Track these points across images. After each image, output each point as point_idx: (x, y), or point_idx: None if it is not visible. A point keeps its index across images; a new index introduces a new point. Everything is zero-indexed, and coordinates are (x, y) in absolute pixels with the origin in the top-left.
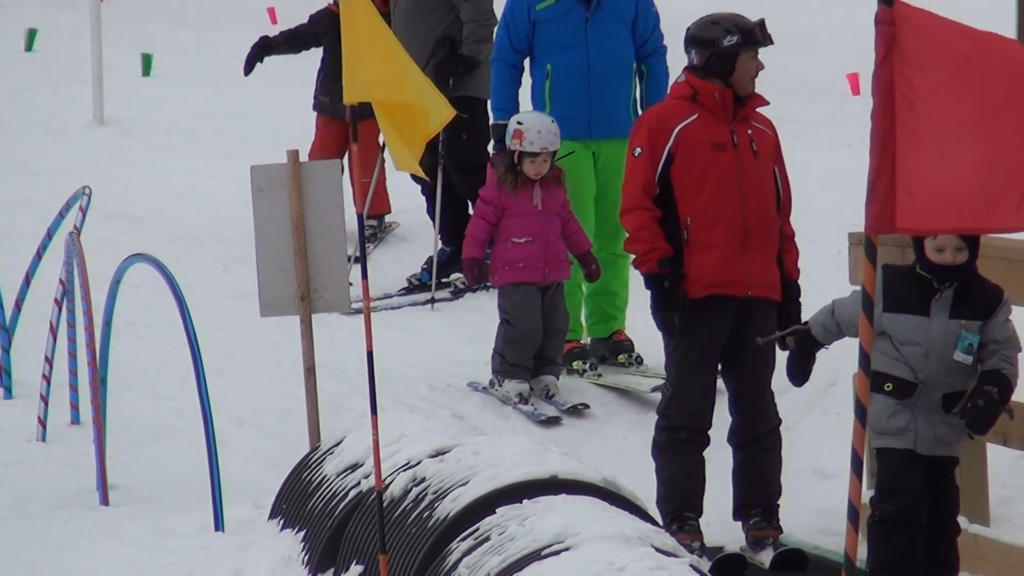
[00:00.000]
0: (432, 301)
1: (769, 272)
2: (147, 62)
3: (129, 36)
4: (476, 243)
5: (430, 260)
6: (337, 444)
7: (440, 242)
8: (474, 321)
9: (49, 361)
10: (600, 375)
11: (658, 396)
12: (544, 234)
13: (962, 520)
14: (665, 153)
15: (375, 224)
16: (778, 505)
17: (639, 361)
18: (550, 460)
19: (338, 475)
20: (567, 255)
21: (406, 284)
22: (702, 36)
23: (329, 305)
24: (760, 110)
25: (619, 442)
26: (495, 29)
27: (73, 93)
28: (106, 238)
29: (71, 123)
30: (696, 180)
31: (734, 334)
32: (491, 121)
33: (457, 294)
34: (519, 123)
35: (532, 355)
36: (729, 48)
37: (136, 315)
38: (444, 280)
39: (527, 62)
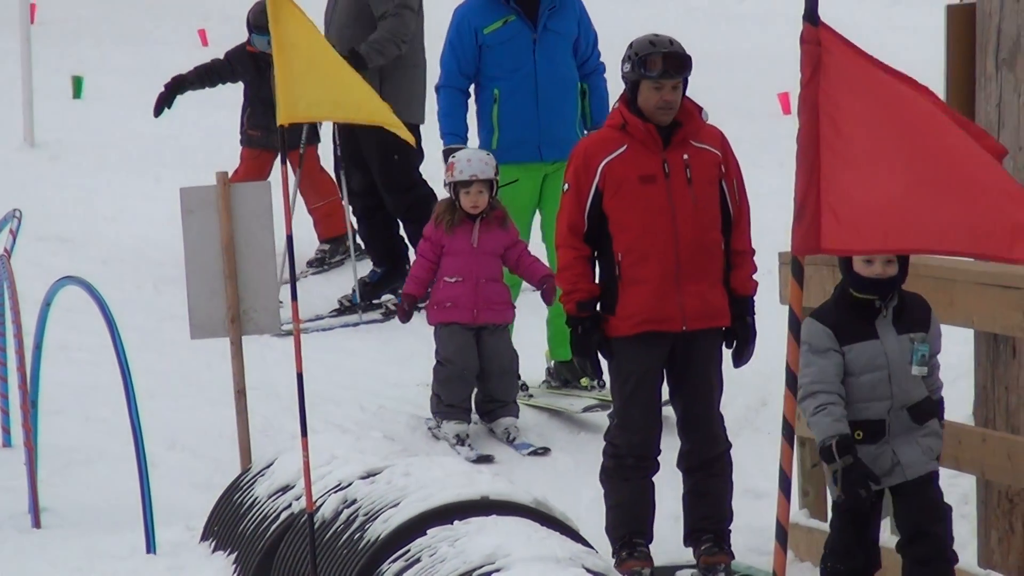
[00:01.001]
0: (360, 322)
1: (709, 301)
2: (78, 84)
3: (59, 58)
4: (415, 281)
5: (361, 282)
6: (268, 466)
7: (372, 263)
8: (405, 342)
9: None
10: (531, 396)
11: (590, 417)
12: (475, 274)
13: (892, 538)
14: (592, 189)
15: (325, 249)
16: (729, 530)
17: (601, 385)
18: (481, 481)
19: (269, 497)
20: (507, 297)
21: (337, 305)
22: (622, 60)
23: (259, 327)
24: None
25: (551, 463)
26: (395, 55)
27: (3, 115)
28: (37, 260)
29: (2, 145)
30: (624, 215)
31: (676, 363)
32: (443, 146)
33: (388, 315)
34: (453, 157)
35: (468, 395)
36: (629, 76)
37: (67, 337)
38: (375, 301)
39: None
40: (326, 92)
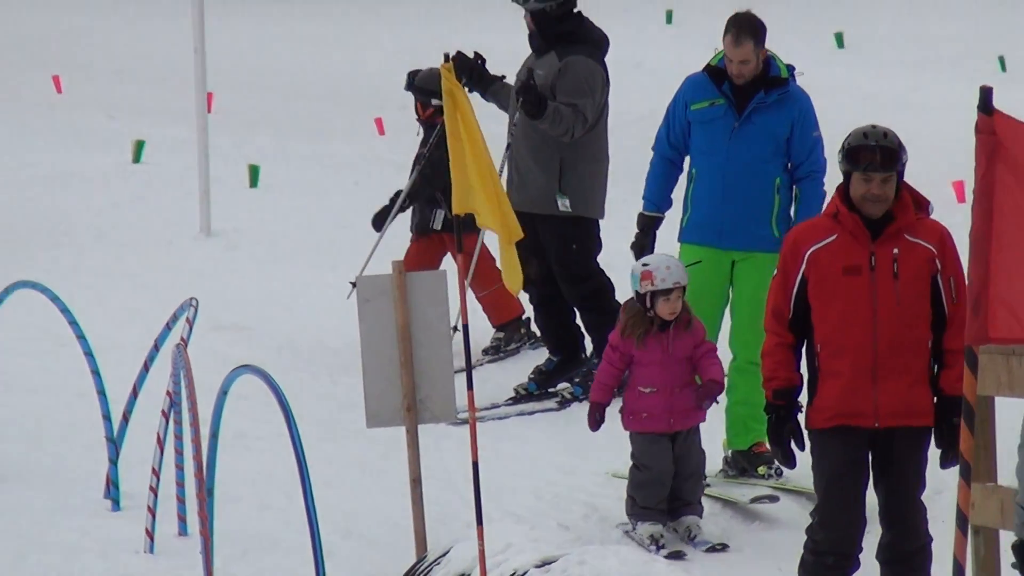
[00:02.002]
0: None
1: (907, 399)
2: (254, 173)
3: (236, 147)
4: (603, 388)
5: (537, 370)
6: (444, 554)
7: (547, 352)
8: (580, 432)
9: (156, 473)
10: (708, 484)
11: (760, 507)
12: (669, 384)
13: None
14: (799, 277)
15: (500, 336)
16: None
17: (778, 473)
18: (656, 571)
19: None
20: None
21: (513, 394)
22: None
23: (435, 416)
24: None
25: (729, 557)
26: (563, 134)
27: (180, 205)
28: (213, 349)
29: (178, 234)
30: (826, 306)
31: (878, 457)
32: (640, 211)
33: (563, 404)
34: (645, 264)
35: (663, 497)
36: (841, 166)
37: (243, 426)
38: (550, 390)
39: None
40: (478, 196)
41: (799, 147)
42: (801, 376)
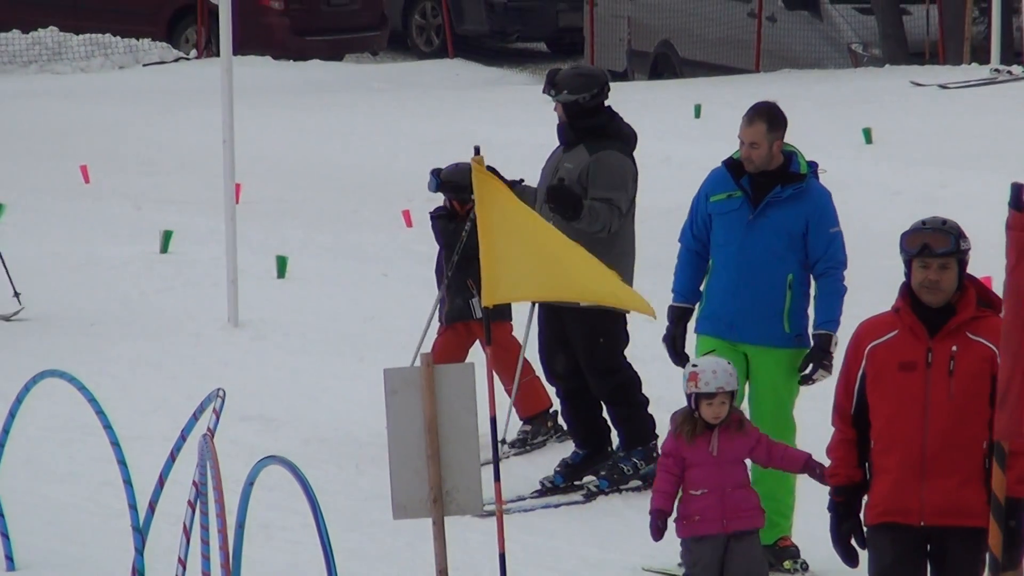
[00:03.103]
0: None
1: (957, 498)
2: (282, 264)
3: (264, 238)
4: (663, 495)
5: (563, 463)
6: None
7: (574, 445)
8: (607, 525)
9: (183, 563)
10: None
11: None
12: (720, 484)
13: None
14: (860, 373)
15: (527, 429)
16: None
17: (804, 567)
18: None
19: None
20: (755, 503)
21: (539, 487)
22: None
23: (461, 508)
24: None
25: None
26: (599, 232)
27: (208, 295)
28: (239, 440)
29: (205, 325)
30: (880, 402)
31: (934, 560)
32: (670, 304)
33: (589, 497)
34: (694, 366)
35: None
36: (902, 257)
37: (269, 517)
38: (577, 483)
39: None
40: (537, 271)
41: (816, 243)
42: (863, 473)
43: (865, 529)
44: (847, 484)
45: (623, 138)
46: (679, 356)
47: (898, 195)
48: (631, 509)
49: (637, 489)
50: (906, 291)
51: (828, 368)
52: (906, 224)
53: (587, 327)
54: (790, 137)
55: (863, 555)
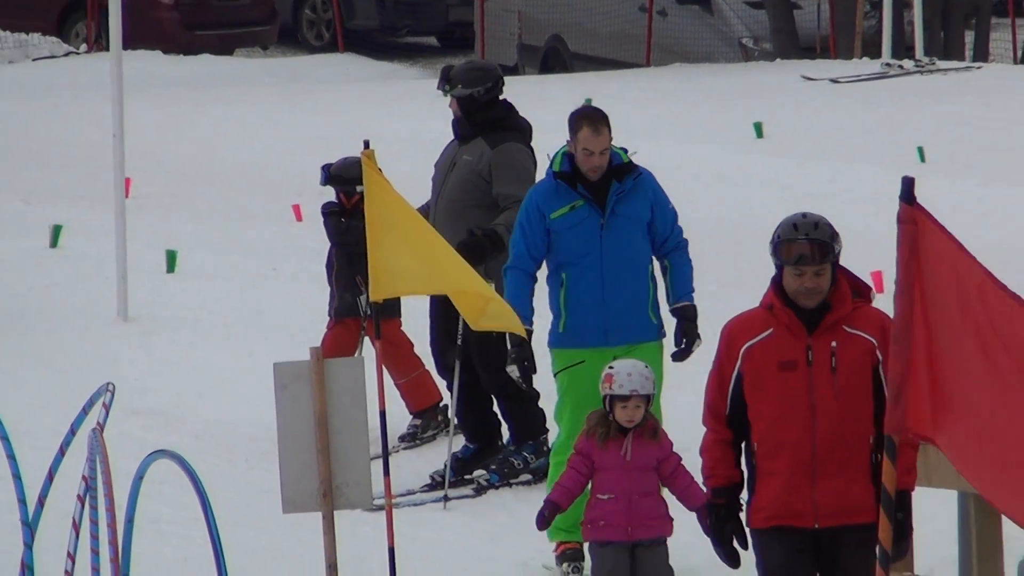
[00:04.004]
0: (445, 499)
1: (848, 497)
2: (171, 258)
3: (154, 232)
4: (564, 492)
5: (454, 457)
6: None
7: (464, 439)
8: (495, 518)
9: (72, 558)
10: None
11: None
12: (628, 491)
13: None
14: (734, 374)
15: (417, 424)
16: None
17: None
18: None
19: None
20: (663, 511)
21: (429, 480)
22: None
23: (351, 502)
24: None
25: None
26: None
27: (97, 290)
28: (129, 434)
29: (95, 320)
30: (761, 403)
31: (823, 561)
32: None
33: (480, 491)
34: (610, 368)
35: None
36: (773, 259)
37: (159, 511)
38: (467, 477)
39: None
40: (420, 266)
41: (662, 223)
42: (741, 472)
43: (749, 531)
44: (727, 485)
45: (520, 130)
46: (527, 380)
47: (788, 189)
48: (521, 503)
49: (527, 483)
50: (779, 289)
51: (700, 337)
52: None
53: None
54: (683, 130)
55: (744, 556)
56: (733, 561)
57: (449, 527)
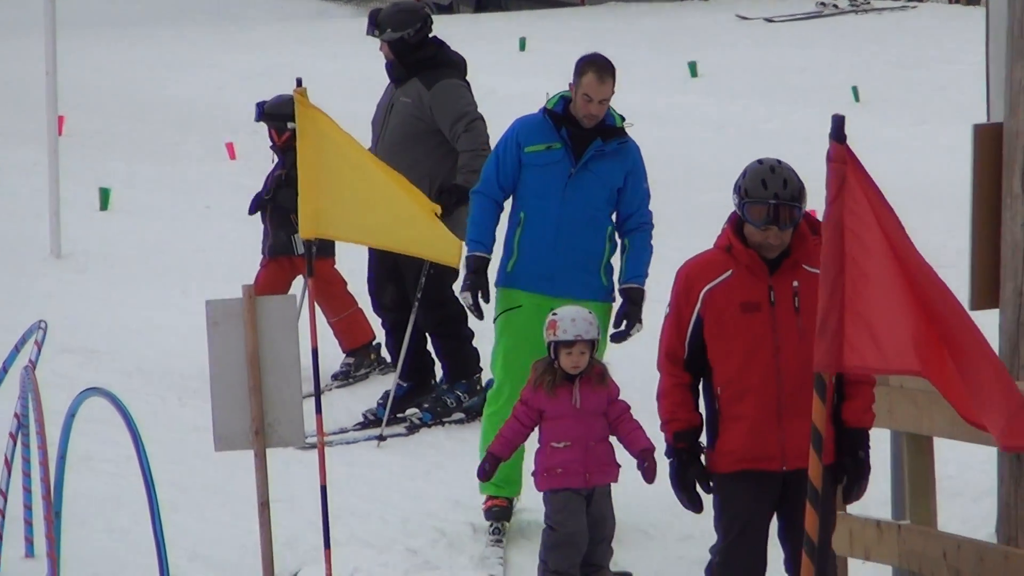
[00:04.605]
0: (381, 438)
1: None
2: (105, 196)
3: (87, 170)
4: (505, 443)
5: (386, 395)
6: None
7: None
8: (428, 456)
9: (3, 494)
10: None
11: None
12: (583, 437)
13: None
14: (693, 317)
15: (351, 362)
16: None
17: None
18: None
19: None
20: (613, 456)
21: (362, 419)
22: (734, 185)
23: (283, 440)
24: None
25: None
26: (484, 134)
27: (30, 227)
28: (62, 371)
29: (27, 257)
30: (725, 346)
31: (786, 502)
32: (465, 252)
33: (412, 429)
34: (553, 314)
35: (577, 561)
36: (737, 208)
37: (91, 448)
38: (400, 416)
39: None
40: (356, 214)
41: (631, 198)
42: (701, 416)
43: (711, 476)
44: (688, 429)
45: (454, 65)
46: (479, 310)
47: (723, 129)
48: (453, 441)
49: (460, 422)
50: (737, 230)
51: (641, 322)
52: (731, 158)
53: (417, 259)
54: (619, 70)
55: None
56: (696, 506)
57: (381, 465)
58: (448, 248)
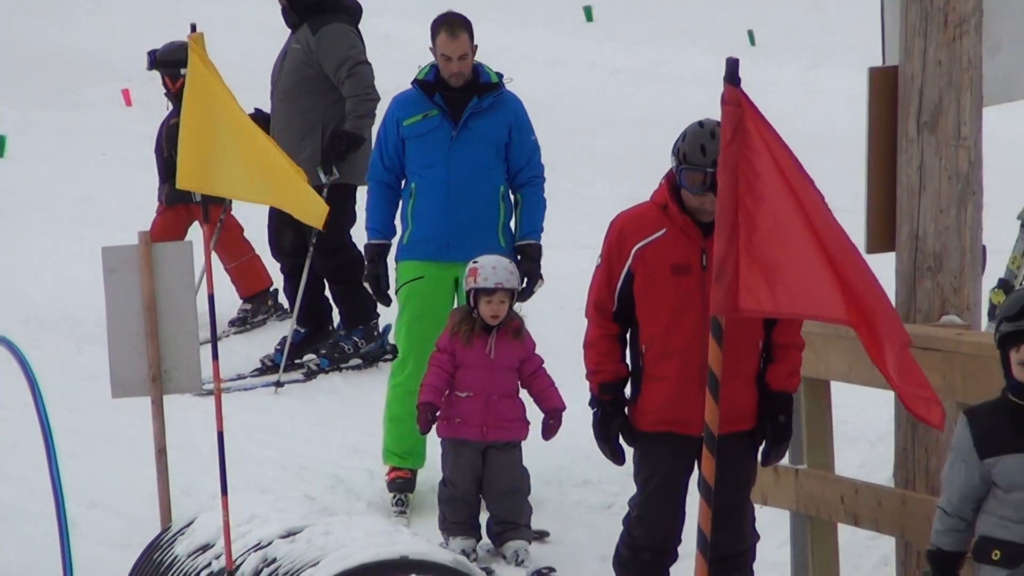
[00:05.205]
0: (278, 384)
1: (735, 404)
2: (0, 143)
3: None
4: (431, 390)
5: (283, 341)
6: (188, 525)
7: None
8: (325, 402)
9: None
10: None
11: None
12: (487, 390)
13: None
14: (624, 271)
15: (248, 308)
16: None
17: None
18: (401, 540)
19: (189, 556)
20: (521, 414)
21: (259, 365)
22: (673, 145)
23: (180, 386)
24: None
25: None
26: (376, 105)
27: None
28: None
29: None
30: (653, 306)
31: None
32: (366, 241)
33: (310, 375)
34: (475, 262)
35: (472, 513)
36: (674, 170)
37: None
38: (297, 362)
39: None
40: (232, 168)
41: (518, 152)
42: (627, 367)
43: (634, 431)
44: (614, 380)
45: (345, 10)
46: (384, 295)
47: (618, 73)
48: (351, 387)
49: (357, 368)
50: (674, 189)
51: (543, 277)
52: (626, 103)
53: None
54: (513, 15)
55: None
56: (618, 458)
57: (279, 412)
58: (316, 210)
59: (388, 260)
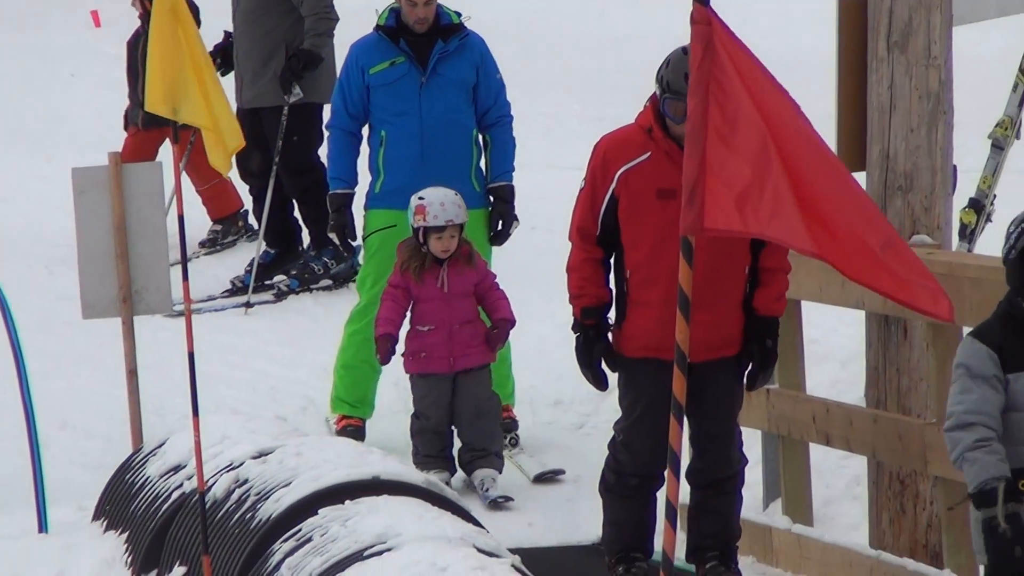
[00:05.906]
0: (248, 305)
1: (720, 331)
2: None
3: None
4: (388, 322)
5: (253, 262)
6: (160, 446)
7: (264, 244)
8: (296, 323)
9: None
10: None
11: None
12: (448, 321)
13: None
14: (608, 195)
15: (218, 229)
16: (736, 548)
17: (514, 443)
18: (372, 461)
19: (161, 476)
20: (481, 339)
21: (229, 286)
22: (657, 72)
23: (150, 307)
24: None
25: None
26: (336, 25)
27: None
28: None
29: None
30: (637, 230)
31: (691, 387)
32: (330, 191)
33: (280, 296)
34: (420, 198)
35: (444, 445)
36: (659, 97)
37: None
38: (267, 283)
39: (365, 129)
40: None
41: (485, 92)
42: (610, 292)
43: (617, 356)
44: (597, 305)
45: None
46: (349, 245)
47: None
48: (321, 307)
49: (327, 288)
50: (658, 114)
51: (518, 219)
52: (593, 23)
53: (282, 125)
54: None
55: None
56: (601, 384)
57: (249, 332)
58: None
59: (354, 209)
